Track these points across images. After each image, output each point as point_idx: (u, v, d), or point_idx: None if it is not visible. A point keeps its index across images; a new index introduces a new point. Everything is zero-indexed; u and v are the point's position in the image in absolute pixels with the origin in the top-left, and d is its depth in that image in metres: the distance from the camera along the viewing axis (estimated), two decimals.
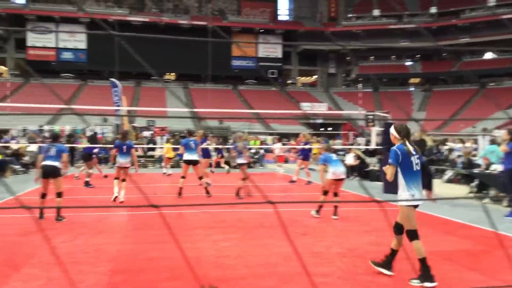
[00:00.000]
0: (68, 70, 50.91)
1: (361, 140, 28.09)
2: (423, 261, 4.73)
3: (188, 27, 50.92)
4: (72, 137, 15.98)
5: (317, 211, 8.66)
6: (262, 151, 23.57)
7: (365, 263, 5.37)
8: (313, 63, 56.85)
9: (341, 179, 8.51)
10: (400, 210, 4.96)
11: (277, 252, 6.01)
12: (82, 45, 50.29)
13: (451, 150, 18.21)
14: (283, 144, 24.84)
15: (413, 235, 4.83)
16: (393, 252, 5.05)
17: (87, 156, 13.67)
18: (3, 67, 51.64)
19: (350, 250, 6.17)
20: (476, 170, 12.32)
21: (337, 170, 8.41)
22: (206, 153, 14.67)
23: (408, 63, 55.12)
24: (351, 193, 12.02)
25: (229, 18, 53.50)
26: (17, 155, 17.62)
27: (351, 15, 54.70)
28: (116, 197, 9.98)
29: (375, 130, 19.04)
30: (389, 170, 4.88)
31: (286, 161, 24.23)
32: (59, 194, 7.98)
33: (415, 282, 4.72)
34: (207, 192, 11.05)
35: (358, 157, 16.37)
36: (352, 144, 26.23)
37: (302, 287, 4.69)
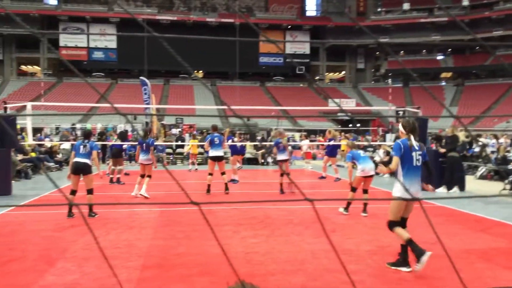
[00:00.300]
0: (99, 69, 51.94)
1: (389, 136, 27.66)
2: (410, 242, 4.84)
3: (215, 24, 51.20)
4: (103, 134, 16.29)
5: (346, 208, 8.60)
6: (289, 148, 23.49)
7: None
8: (341, 59, 56.31)
9: (370, 176, 8.42)
10: (391, 201, 5.19)
11: (306, 249, 6.00)
12: (113, 44, 51.19)
13: (484, 145, 17.77)
14: (311, 141, 24.72)
15: (392, 225, 5.04)
16: (404, 247, 5.08)
17: (117, 153, 13.87)
18: (36, 67, 53.12)
19: (380, 247, 6.10)
20: (510, 166, 11.99)
21: (365, 167, 8.32)
22: (234, 150, 14.73)
23: (440, 57, 53.93)
24: (381, 190, 11.86)
25: (256, 14, 53.53)
26: (51, 152, 18.12)
27: (380, 9, 53.90)
28: (136, 195, 10.35)
29: None
30: (393, 161, 5.16)
31: (314, 157, 24.12)
32: (89, 191, 8.17)
33: (419, 266, 4.75)
34: (226, 188, 11.12)
35: (388, 153, 16.13)
36: (377, 140, 25.87)
37: (330, 284, 4.67)
